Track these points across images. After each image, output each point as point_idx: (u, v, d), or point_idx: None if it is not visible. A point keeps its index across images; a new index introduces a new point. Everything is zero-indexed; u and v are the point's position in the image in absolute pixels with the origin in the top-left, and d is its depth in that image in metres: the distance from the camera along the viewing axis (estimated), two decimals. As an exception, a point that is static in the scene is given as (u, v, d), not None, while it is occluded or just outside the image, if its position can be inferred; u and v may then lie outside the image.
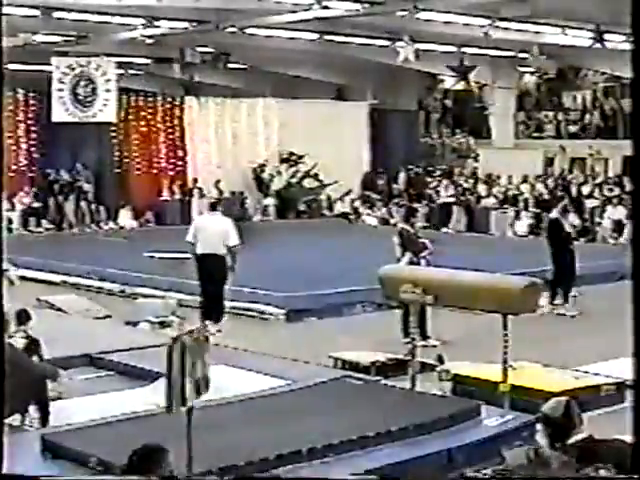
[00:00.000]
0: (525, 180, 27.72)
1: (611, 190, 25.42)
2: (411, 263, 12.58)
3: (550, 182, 27.36)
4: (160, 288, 15.68)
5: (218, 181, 28.32)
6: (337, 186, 29.30)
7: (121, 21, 21.91)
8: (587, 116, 29.93)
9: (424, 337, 12.55)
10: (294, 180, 29.09)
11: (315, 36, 24.16)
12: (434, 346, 12.53)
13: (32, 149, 26.85)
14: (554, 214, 16.57)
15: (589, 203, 25.49)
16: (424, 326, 12.46)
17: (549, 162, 29.39)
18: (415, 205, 28.50)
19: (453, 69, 26.79)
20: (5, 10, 15.71)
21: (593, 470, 5.23)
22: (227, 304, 14.27)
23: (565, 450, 5.31)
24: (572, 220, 17.36)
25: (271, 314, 14.31)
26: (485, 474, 7.06)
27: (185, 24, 22.44)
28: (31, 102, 26.92)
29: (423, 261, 12.83)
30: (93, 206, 26.95)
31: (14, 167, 26.03)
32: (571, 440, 5.34)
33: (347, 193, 29.64)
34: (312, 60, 28.18)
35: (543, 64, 27.39)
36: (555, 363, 10.67)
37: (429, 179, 29.84)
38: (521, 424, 8.64)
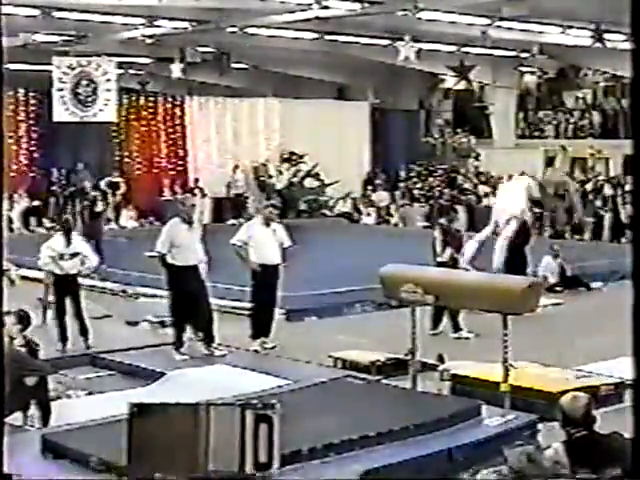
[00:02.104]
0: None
1: (613, 189, 25.44)
2: (452, 259, 13.41)
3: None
4: (161, 288, 15.65)
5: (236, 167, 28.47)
6: (338, 186, 29.31)
7: (121, 21, 21.92)
8: (588, 116, 29.91)
9: (456, 329, 12.87)
10: (295, 180, 29.10)
11: (316, 36, 24.17)
12: (467, 338, 12.77)
13: (33, 149, 26.87)
14: (524, 215, 16.57)
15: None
16: (456, 319, 13.09)
17: (550, 162, 29.40)
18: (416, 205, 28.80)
19: (453, 69, 26.79)
20: (5, 10, 15.73)
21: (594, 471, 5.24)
22: (227, 304, 14.29)
23: (570, 447, 5.30)
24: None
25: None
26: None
27: (186, 24, 22.44)
28: (32, 102, 26.92)
29: (461, 257, 13.72)
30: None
31: (15, 167, 26.05)
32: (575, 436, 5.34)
33: (348, 194, 29.63)
34: (313, 60, 28.17)
35: (543, 63, 27.41)
36: (555, 363, 10.68)
37: (430, 179, 29.87)
38: (521, 424, 8.65)
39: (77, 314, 12.11)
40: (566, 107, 30.84)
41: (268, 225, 12.52)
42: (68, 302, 12.10)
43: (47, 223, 26.26)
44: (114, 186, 27.06)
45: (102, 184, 26.82)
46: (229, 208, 28.50)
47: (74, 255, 12.07)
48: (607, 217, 24.68)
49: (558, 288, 17.01)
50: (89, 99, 25.53)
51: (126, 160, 28.11)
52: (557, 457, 5.32)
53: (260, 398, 9.21)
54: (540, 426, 8.61)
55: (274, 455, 4.97)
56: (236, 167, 28.87)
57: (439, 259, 13.46)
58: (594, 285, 17.57)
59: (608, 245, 23.37)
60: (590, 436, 5.37)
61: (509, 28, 22.16)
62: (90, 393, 10.38)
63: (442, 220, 14.28)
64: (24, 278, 14.77)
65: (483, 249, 15.93)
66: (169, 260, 11.76)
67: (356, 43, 25.61)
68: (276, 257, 12.38)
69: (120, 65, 26.78)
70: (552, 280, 17.05)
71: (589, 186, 26.53)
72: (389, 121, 31.12)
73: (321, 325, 14.13)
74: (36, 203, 26.29)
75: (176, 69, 25.32)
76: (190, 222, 11.91)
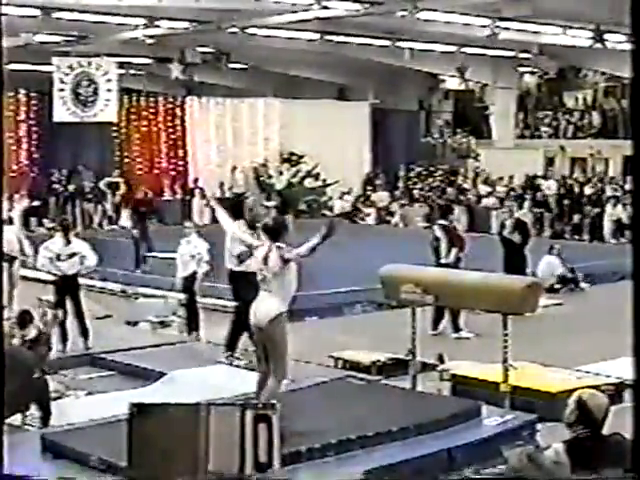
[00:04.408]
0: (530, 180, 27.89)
1: (614, 190, 25.44)
2: (457, 259, 13.30)
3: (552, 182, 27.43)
4: (161, 288, 15.67)
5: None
6: (338, 186, 29.31)
7: (121, 21, 21.91)
8: (588, 116, 29.92)
9: (456, 329, 12.86)
10: (295, 180, 29.10)
11: (316, 36, 24.17)
12: (467, 338, 12.76)
13: (33, 149, 26.88)
14: (521, 214, 16.51)
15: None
16: (456, 319, 13.09)
17: (549, 162, 29.41)
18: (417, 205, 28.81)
19: (458, 70, 26.80)
20: (5, 10, 15.71)
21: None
22: (227, 304, 14.25)
23: (572, 446, 5.29)
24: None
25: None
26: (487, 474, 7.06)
27: (186, 24, 22.44)
28: (32, 102, 26.95)
29: (464, 257, 13.59)
30: (93, 206, 26.97)
31: (15, 167, 26.06)
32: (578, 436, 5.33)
33: (347, 192, 29.65)
34: (313, 60, 28.17)
35: (543, 64, 27.40)
36: (555, 363, 10.67)
37: (430, 179, 29.90)
38: (521, 424, 8.65)
39: (77, 314, 12.10)
40: (566, 107, 30.85)
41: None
42: (68, 302, 12.10)
43: (47, 223, 26.27)
44: (114, 186, 27.08)
45: (101, 184, 26.88)
46: (229, 208, 28.50)
47: (72, 255, 12.05)
48: (607, 217, 24.68)
49: (558, 288, 17.01)
50: (90, 99, 25.53)
51: (126, 160, 28.13)
52: (557, 457, 5.30)
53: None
54: (540, 426, 8.61)
55: (274, 455, 4.97)
56: (234, 168, 28.87)
57: (443, 261, 13.25)
58: (593, 285, 17.56)
59: (607, 245, 23.38)
60: (594, 436, 5.36)
61: (509, 28, 22.14)
62: (90, 393, 10.38)
63: (443, 221, 14.06)
64: (24, 278, 14.79)
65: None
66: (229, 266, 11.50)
67: (356, 43, 25.61)
68: None
69: (120, 65, 26.80)
70: (552, 280, 17.05)
71: (588, 187, 26.52)
72: (389, 121, 31.12)
73: (321, 325, 14.13)
74: (36, 203, 26.28)
75: (176, 69, 25.31)
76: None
